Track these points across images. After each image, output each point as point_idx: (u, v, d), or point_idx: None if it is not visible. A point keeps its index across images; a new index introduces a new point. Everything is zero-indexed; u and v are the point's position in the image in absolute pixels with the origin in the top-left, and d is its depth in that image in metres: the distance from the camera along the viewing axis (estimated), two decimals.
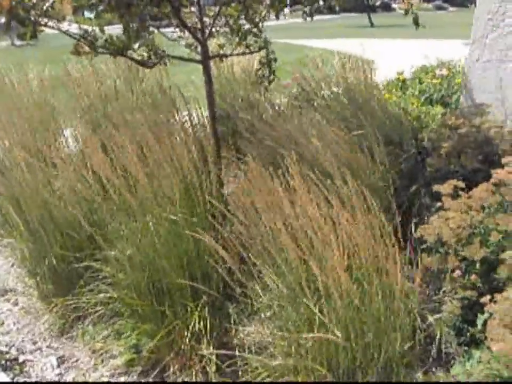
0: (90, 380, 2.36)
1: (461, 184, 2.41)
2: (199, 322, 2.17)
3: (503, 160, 2.49)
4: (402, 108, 3.60)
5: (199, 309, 2.20)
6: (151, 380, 2.29)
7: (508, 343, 1.53)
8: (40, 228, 2.66)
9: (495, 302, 1.77)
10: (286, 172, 1.96)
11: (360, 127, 2.93)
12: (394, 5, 33.21)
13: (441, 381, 1.51)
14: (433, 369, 2.08)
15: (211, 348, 2.14)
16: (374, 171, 2.72)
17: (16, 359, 2.54)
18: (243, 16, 3.20)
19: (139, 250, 2.25)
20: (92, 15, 2.97)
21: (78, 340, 2.60)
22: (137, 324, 2.35)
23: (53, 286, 2.77)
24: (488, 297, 1.83)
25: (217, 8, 3.13)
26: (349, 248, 1.76)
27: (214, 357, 2.13)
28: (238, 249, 1.98)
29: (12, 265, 3.34)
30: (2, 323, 2.82)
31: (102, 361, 2.46)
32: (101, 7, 2.73)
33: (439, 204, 2.42)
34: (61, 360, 2.52)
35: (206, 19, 3.26)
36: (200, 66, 3.12)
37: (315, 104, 3.75)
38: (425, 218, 2.48)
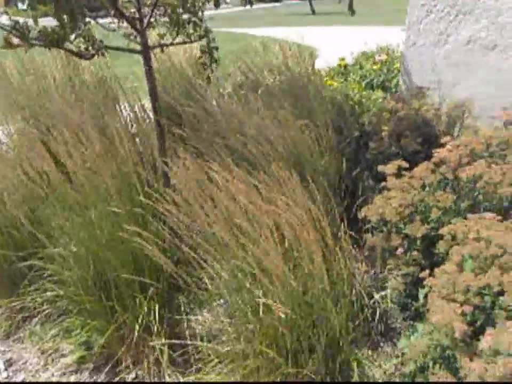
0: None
1: (405, 164, 2.48)
2: (148, 315, 2.15)
3: (442, 140, 2.59)
4: (344, 93, 3.66)
5: (147, 301, 2.18)
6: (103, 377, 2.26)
7: (446, 314, 1.60)
8: None
9: (434, 276, 1.84)
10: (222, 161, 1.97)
11: (305, 114, 2.96)
12: None
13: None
14: (381, 344, 2.16)
15: (163, 339, 2.14)
16: (323, 156, 2.76)
17: None
18: (182, 6, 3.17)
19: (83, 246, 2.20)
20: (25, 6, 2.86)
21: (26, 341, 2.54)
22: (87, 320, 2.31)
23: None
24: (428, 271, 1.90)
25: None
26: (289, 232, 1.78)
27: (166, 348, 2.13)
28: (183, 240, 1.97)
29: None
30: None
31: (52, 360, 2.41)
32: None
33: (383, 183, 2.48)
34: (9, 363, 2.45)
35: (145, 9, 3.20)
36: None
37: (259, 92, 3.76)
38: (370, 199, 2.55)
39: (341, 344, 1.85)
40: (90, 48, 2.92)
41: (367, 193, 2.79)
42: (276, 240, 1.73)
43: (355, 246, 2.40)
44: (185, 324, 2.23)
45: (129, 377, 2.24)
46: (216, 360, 1.90)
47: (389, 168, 2.48)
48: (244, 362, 1.80)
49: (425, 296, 1.96)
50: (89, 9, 3.02)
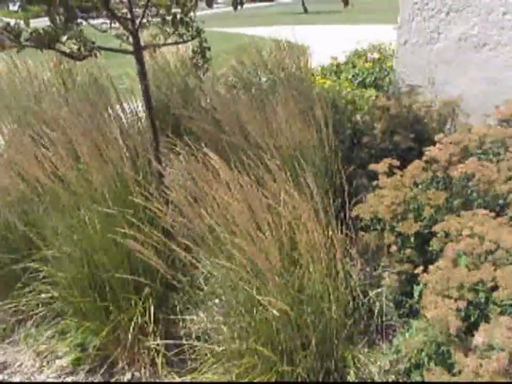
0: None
1: (396, 163, 2.49)
2: (143, 315, 2.15)
3: (435, 138, 2.60)
4: (337, 91, 3.66)
5: (142, 301, 2.18)
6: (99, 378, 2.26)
7: (441, 309, 1.61)
8: None
9: (428, 272, 1.85)
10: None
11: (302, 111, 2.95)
12: None
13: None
14: (376, 341, 2.16)
15: (158, 339, 2.14)
16: (323, 154, 2.75)
17: None
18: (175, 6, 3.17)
19: (77, 247, 2.20)
20: (16, 8, 2.86)
21: (21, 344, 2.52)
22: (81, 321, 2.30)
23: None
24: (422, 268, 1.91)
25: None
26: (286, 229, 1.79)
27: (162, 348, 2.13)
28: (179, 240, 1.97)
29: None
30: None
31: (48, 362, 2.40)
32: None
33: (375, 182, 2.49)
34: (3, 366, 2.44)
35: (137, 9, 3.20)
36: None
37: (253, 91, 3.76)
38: (363, 197, 2.55)
39: (336, 342, 1.85)
40: (82, 49, 2.92)
41: (360, 191, 2.80)
42: (274, 237, 1.73)
43: (348, 244, 2.40)
44: (180, 324, 2.23)
45: (125, 378, 2.24)
46: (211, 360, 1.90)
47: (381, 167, 2.48)
48: (239, 361, 1.81)
49: (420, 293, 1.97)
50: (81, 10, 3.02)
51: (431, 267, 1.87)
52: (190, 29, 3.25)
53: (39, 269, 2.39)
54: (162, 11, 3.23)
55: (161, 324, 2.23)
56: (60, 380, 2.29)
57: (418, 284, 2.02)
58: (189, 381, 2.02)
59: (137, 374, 2.24)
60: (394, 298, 2.24)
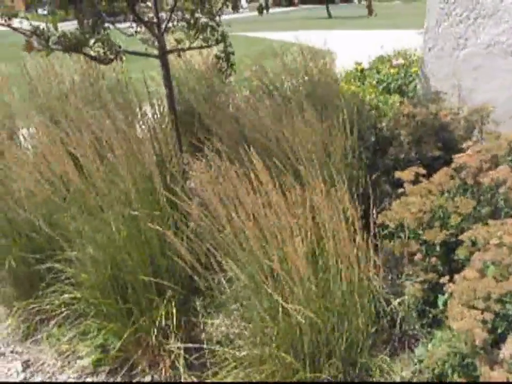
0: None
1: (422, 171, 2.46)
2: (165, 318, 2.15)
3: (464, 145, 2.56)
4: (361, 97, 3.64)
5: (165, 304, 2.19)
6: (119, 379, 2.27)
7: (467, 321, 1.58)
8: None
9: (454, 282, 1.81)
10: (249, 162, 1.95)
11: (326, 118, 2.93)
12: None
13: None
14: (398, 351, 2.13)
15: (179, 342, 2.14)
16: (348, 160, 2.73)
17: None
18: (200, 10, 3.19)
19: (101, 249, 2.21)
20: (45, 12, 2.91)
21: (43, 343, 2.55)
22: (103, 323, 2.32)
23: (14, 290, 2.71)
24: (447, 277, 1.88)
25: (173, 2, 3.10)
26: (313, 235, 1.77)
27: (182, 351, 2.13)
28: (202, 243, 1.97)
29: None
30: None
31: (69, 362, 2.42)
32: (52, 4, 2.68)
33: (400, 190, 2.46)
34: (26, 365, 2.47)
35: (162, 13, 3.23)
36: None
37: (276, 96, 3.76)
38: (387, 205, 2.53)
39: (359, 350, 1.83)
40: (108, 52, 2.96)
41: (383, 198, 2.77)
42: (303, 241, 1.72)
43: (373, 251, 2.38)
44: (201, 327, 2.23)
45: (145, 380, 2.24)
46: (232, 365, 1.89)
47: (406, 175, 2.46)
48: (261, 367, 1.79)
49: (445, 303, 1.94)
50: (108, 14, 3.06)
51: (456, 277, 1.83)
52: (215, 33, 3.27)
53: (63, 270, 2.42)
54: (187, 15, 3.26)
55: (183, 327, 2.23)
56: (80, 380, 2.31)
57: (443, 294, 1.99)
58: (196, 381, 2.02)
59: (156, 376, 2.24)
60: (417, 307, 2.21)
